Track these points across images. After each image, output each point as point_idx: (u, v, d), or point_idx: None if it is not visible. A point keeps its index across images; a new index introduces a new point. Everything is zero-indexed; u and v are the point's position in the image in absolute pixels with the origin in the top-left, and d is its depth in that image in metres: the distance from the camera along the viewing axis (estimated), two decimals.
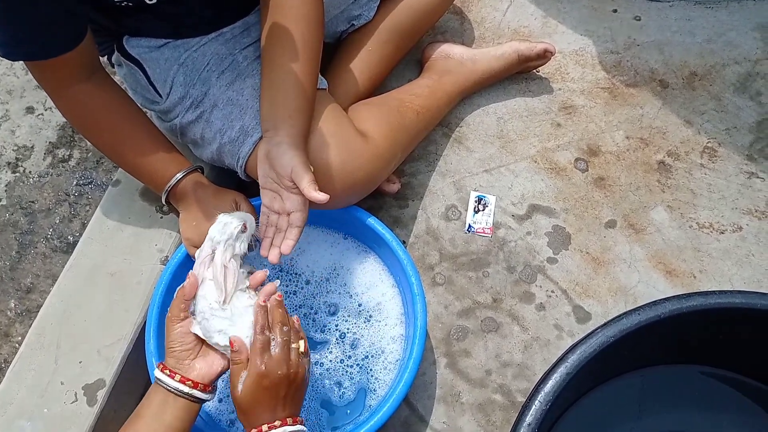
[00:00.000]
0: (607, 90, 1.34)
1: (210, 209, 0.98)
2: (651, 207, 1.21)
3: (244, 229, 0.87)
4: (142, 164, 0.98)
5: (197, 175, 1.01)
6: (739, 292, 0.82)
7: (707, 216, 1.20)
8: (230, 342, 0.77)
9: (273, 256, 0.89)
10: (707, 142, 1.27)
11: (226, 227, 0.85)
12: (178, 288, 0.82)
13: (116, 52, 1.04)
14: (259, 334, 0.77)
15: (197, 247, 0.94)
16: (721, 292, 0.83)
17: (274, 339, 0.77)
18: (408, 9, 1.20)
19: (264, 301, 0.79)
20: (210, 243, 0.84)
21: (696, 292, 0.83)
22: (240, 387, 0.75)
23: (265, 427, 0.74)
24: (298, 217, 0.89)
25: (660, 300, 0.83)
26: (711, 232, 1.18)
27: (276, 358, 0.75)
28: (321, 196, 0.85)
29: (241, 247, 0.86)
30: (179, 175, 0.98)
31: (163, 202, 1.02)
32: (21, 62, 1.37)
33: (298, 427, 0.76)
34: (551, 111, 1.32)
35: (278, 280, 0.86)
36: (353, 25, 1.20)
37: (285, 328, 0.78)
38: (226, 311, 0.79)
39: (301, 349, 0.78)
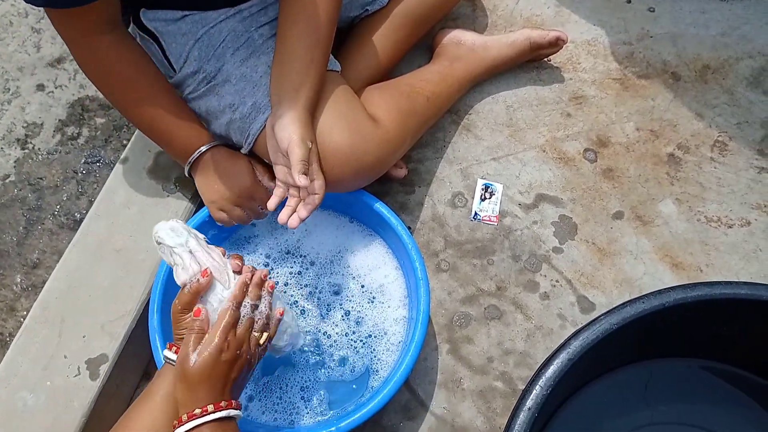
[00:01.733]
0: (618, 81, 1.33)
1: (228, 171, 0.98)
2: (659, 199, 1.20)
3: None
4: (161, 128, 0.97)
5: (219, 148, 1.01)
6: (745, 283, 0.81)
7: (716, 210, 1.19)
8: (197, 310, 0.74)
9: (293, 221, 0.90)
10: (718, 136, 1.26)
11: (174, 229, 0.79)
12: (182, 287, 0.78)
13: (132, 25, 1.03)
14: (234, 309, 0.75)
15: (224, 210, 0.99)
16: (726, 282, 0.82)
17: (242, 318, 0.75)
18: None
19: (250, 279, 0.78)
20: (181, 248, 0.78)
21: (701, 282, 0.82)
22: (194, 357, 0.71)
23: (211, 407, 0.69)
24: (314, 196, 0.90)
25: (665, 289, 0.82)
26: (719, 226, 1.18)
27: (239, 337, 0.74)
28: (302, 181, 0.85)
29: (198, 235, 0.81)
30: (203, 148, 0.98)
31: (186, 175, 1.01)
32: (32, 39, 1.39)
33: (240, 413, 0.73)
34: (561, 101, 1.31)
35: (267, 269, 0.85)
36: (367, 10, 1.19)
37: (256, 310, 0.77)
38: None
39: (261, 341, 0.77)
